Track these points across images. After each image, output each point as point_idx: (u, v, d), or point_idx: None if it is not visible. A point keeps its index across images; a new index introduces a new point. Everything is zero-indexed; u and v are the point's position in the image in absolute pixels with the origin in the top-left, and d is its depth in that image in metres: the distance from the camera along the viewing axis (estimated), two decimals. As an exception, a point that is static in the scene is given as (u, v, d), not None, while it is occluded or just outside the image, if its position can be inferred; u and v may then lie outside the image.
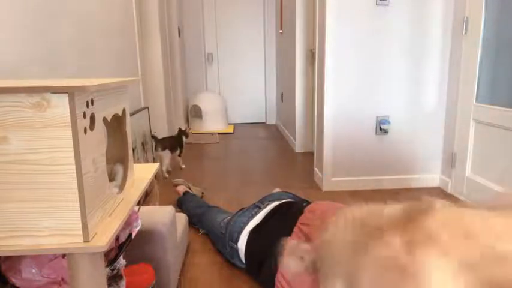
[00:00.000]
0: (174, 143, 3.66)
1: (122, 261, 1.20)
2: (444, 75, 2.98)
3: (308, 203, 1.87)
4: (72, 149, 0.78)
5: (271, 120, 6.66)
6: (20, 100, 0.76)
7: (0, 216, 0.81)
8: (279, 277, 1.51)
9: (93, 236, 0.84)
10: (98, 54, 2.47)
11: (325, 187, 3.09)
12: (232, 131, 5.93)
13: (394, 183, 3.10)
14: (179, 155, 3.73)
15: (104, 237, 0.84)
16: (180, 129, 3.73)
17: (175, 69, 5.08)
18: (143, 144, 3.29)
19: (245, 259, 1.81)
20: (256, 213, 1.88)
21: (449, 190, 2.98)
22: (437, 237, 0.50)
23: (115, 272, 1.17)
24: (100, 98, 0.91)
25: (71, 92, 0.76)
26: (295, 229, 1.58)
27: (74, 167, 0.79)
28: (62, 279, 1.00)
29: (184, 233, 2.04)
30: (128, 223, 1.17)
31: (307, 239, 1.51)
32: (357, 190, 3.06)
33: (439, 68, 2.98)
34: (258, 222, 1.81)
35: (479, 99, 2.69)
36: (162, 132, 4.16)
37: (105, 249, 0.82)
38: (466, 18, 2.75)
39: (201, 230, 2.33)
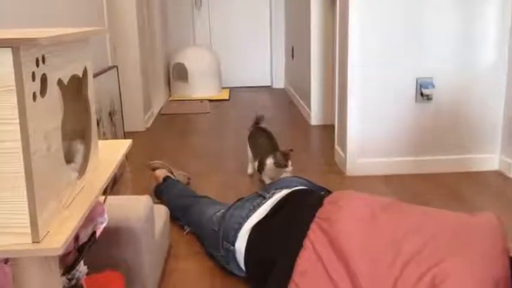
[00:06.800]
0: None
1: (82, 268, 1.21)
2: (506, 26, 2.95)
3: (328, 192, 1.86)
4: (18, 121, 0.78)
5: (279, 84, 6.65)
6: None
7: None
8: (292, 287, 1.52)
9: (45, 235, 0.84)
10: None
11: (350, 171, 3.10)
12: (227, 98, 5.94)
13: (440, 166, 3.09)
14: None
15: (59, 237, 0.84)
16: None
17: (153, 16, 5.04)
18: (111, 115, 3.29)
19: (245, 265, 1.82)
20: (259, 205, 1.89)
21: (511, 175, 2.98)
22: None
23: (74, 282, 1.18)
24: (54, 54, 0.90)
25: (15, 45, 0.75)
26: (313, 225, 1.58)
27: (19, 144, 0.78)
28: (5, 290, 1.00)
29: (164, 231, 2.06)
30: (91, 218, 1.17)
31: (328, 237, 1.51)
32: (391, 175, 3.06)
33: (499, 18, 2.94)
34: (262, 217, 1.82)
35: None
36: (136, 100, 4.14)
37: (60, 252, 0.82)
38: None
39: (186, 227, 2.34)
